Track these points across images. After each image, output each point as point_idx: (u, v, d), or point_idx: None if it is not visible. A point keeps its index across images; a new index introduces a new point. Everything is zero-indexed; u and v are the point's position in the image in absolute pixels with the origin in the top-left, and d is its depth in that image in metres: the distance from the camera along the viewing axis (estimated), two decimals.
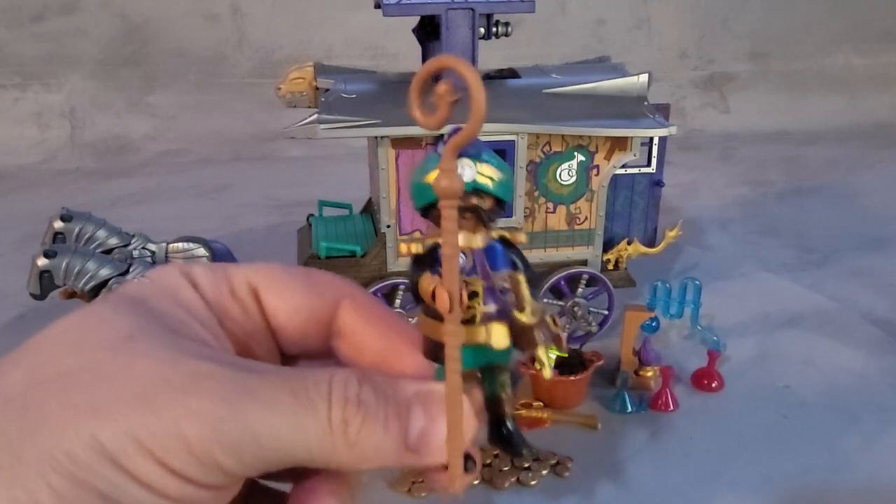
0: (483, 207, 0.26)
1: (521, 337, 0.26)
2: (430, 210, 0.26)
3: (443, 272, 0.25)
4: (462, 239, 0.25)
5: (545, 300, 1.27)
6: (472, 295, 0.26)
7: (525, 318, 0.26)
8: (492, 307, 0.26)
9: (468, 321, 0.26)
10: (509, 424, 0.28)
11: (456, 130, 0.24)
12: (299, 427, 0.25)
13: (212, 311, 0.29)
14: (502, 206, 0.27)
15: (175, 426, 0.23)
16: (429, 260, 0.27)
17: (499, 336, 0.26)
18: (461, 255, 0.25)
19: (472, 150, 0.26)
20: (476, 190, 0.26)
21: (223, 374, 0.24)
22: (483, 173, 0.26)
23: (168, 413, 0.23)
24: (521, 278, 0.26)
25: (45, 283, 1.16)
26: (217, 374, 0.24)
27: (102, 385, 0.24)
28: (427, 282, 0.25)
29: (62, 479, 0.22)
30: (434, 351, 0.27)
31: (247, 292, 0.30)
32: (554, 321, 0.27)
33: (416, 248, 0.27)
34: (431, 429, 0.26)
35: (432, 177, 0.24)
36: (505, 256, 0.27)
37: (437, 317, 0.25)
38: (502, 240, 0.27)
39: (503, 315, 0.26)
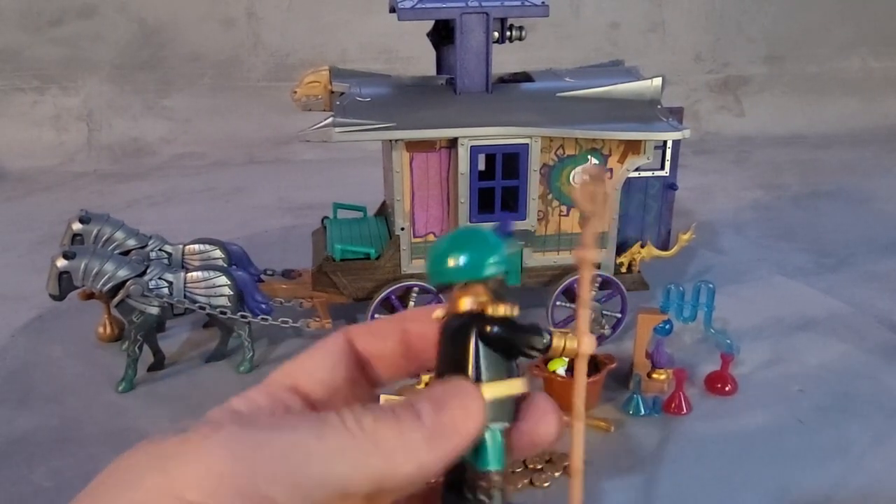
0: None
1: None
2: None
3: (578, 322, 0.29)
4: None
5: (558, 303, 1.27)
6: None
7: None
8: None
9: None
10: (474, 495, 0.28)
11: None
12: (321, 438, 0.25)
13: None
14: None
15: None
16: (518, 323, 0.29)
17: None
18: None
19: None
20: None
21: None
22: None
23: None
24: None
25: (64, 283, 1.17)
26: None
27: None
28: (562, 339, 0.29)
29: None
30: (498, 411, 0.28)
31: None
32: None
33: (511, 312, 0.29)
34: (442, 407, 0.27)
35: (453, 260, 0.28)
36: None
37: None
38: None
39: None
